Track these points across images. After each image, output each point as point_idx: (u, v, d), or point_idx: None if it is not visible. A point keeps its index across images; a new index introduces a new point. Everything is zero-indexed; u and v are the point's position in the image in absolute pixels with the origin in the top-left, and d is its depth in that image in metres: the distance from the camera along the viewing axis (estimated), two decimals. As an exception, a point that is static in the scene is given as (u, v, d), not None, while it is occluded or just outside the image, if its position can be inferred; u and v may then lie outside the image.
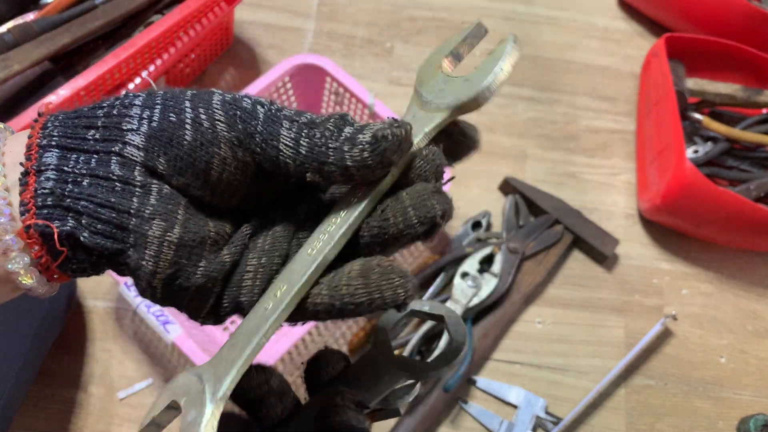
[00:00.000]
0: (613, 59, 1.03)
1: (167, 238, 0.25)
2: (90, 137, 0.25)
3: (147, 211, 0.25)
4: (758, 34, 0.95)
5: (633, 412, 0.79)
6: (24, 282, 0.25)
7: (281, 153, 0.26)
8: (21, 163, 0.25)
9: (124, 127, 0.25)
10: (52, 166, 0.25)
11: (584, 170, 0.94)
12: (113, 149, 0.25)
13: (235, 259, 0.27)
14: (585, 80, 1.01)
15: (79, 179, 0.25)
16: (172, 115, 0.26)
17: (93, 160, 0.25)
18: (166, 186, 0.25)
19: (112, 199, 0.25)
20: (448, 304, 0.76)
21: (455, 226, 0.86)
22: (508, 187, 0.89)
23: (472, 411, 0.76)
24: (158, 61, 0.80)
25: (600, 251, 0.85)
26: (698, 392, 0.81)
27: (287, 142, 0.25)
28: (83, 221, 0.25)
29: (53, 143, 0.25)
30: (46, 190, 0.24)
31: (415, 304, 0.37)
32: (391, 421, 0.74)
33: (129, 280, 0.67)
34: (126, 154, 0.25)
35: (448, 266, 0.81)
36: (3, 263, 0.25)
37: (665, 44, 0.90)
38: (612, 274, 0.87)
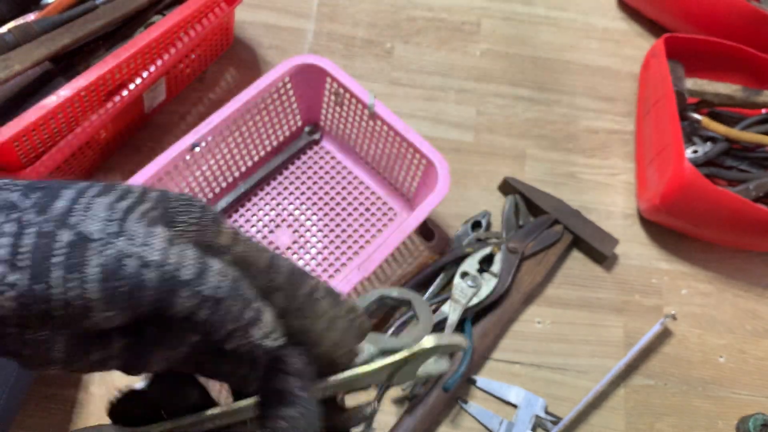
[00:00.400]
0: (612, 60, 1.04)
1: (49, 356, 0.24)
2: None
3: (26, 353, 0.23)
4: (757, 34, 0.95)
5: (632, 411, 0.79)
6: None
7: (168, 318, 0.23)
8: None
9: None
10: None
11: (583, 170, 0.94)
12: None
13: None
14: (584, 81, 1.01)
15: None
16: (38, 285, 0.22)
17: None
18: (44, 334, 0.23)
19: None
20: (448, 303, 0.77)
21: (455, 226, 0.86)
22: (507, 187, 0.89)
23: (471, 410, 0.77)
24: (159, 62, 0.80)
25: (599, 251, 0.85)
26: (697, 392, 0.81)
27: (182, 313, 0.23)
28: None
29: None
30: None
31: (383, 291, 0.38)
32: (391, 421, 0.74)
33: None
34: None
35: (448, 266, 0.81)
36: None
37: (664, 45, 0.90)
38: (611, 274, 0.87)
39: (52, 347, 0.24)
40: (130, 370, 0.27)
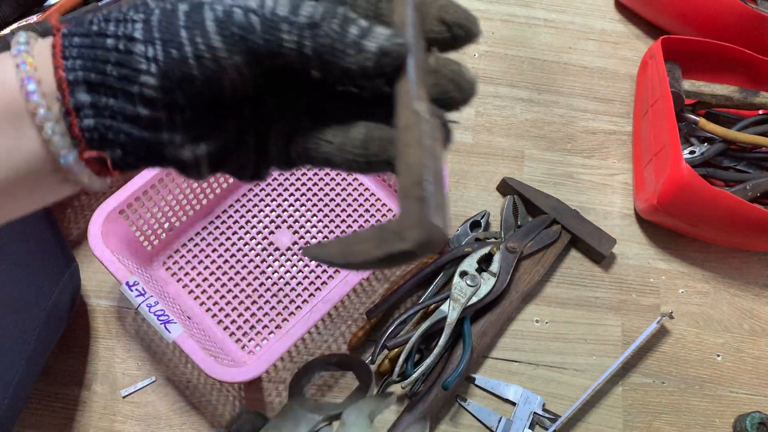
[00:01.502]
0: (610, 61, 1.04)
1: (198, 154, 0.29)
2: (109, 73, 0.27)
3: (177, 140, 0.28)
4: (754, 35, 0.96)
5: (630, 409, 0.80)
6: (85, 180, 0.29)
7: (286, 59, 0.27)
8: (57, 98, 0.27)
9: (136, 67, 0.27)
10: (87, 104, 0.27)
11: (581, 171, 0.95)
12: (133, 90, 0.27)
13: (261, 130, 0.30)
14: (582, 82, 1.02)
15: (113, 115, 0.27)
16: (173, 50, 0.26)
17: (119, 97, 0.27)
18: (188, 111, 0.28)
19: (146, 135, 0.28)
20: (447, 302, 0.77)
21: (454, 226, 0.87)
22: (506, 187, 0.90)
23: (470, 408, 0.77)
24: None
25: (597, 251, 0.86)
26: (695, 390, 0.82)
27: (291, 47, 0.26)
28: (127, 150, 0.28)
29: (80, 78, 0.27)
30: (91, 127, 0.27)
31: (323, 357, 0.40)
32: (390, 419, 0.75)
33: (130, 280, 0.68)
34: (146, 95, 0.27)
35: (447, 265, 0.82)
36: (71, 179, 0.29)
37: (662, 46, 0.91)
38: (609, 274, 0.88)
39: (197, 127, 0.28)
40: (258, 152, 0.31)
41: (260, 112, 0.30)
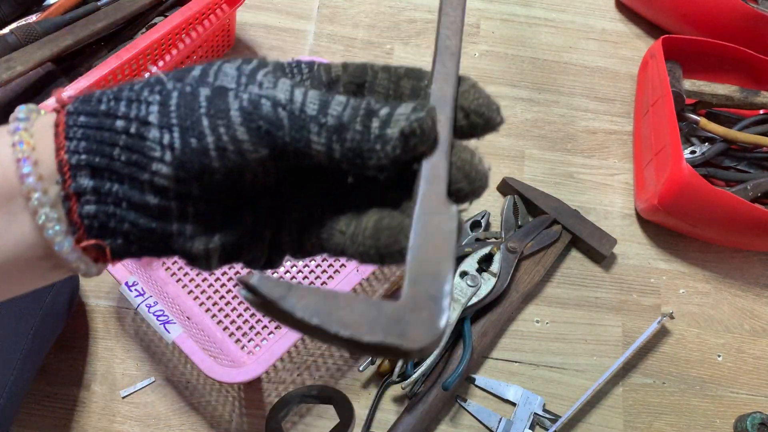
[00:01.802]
0: (610, 61, 1.04)
1: (210, 247, 0.26)
2: (116, 157, 0.25)
3: (188, 232, 0.26)
4: (755, 35, 0.96)
5: (630, 410, 0.80)
6: (81, 268, 0.27)
7: (313, 159, 0.25)
8: (57, 182, 0.25)
9: (148, 153, 0.25)
10: (89, 189, 0.25)
11: (582, 171, 0.95)
12: (143, 178, 0.25)
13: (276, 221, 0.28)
14: (583, 81, 1.02)
15: (117, 203, 0.25)
16: (192, 139, 0.24)
17: (126, 184, 0.25)
18: (202, 202, 0.26)
19: (153, 225, 0.26)
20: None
21: (454, 226, 0.87)
22: (506, 187, 0.90)
23: (470, 409, 0.77)
24: (160, 63, 0.80)
25: (598, 251, 0.86)
26: (695, 391, 0.82)
27: (319, 149, 0.25)
28: (131, 239, 0.26)
29: (83, 162, 0.25)
30: (91, 214, 0.25)
31: (304, 391, 0.38)
32: (390, 419, 0.75)
33: (129, 280, 0.68)
34: (157, 184, 0.25)
35: (447, 266, 0.81)
36: (65, 265, 0.26)
37: (662, 46, 0.90)
38: (610, 274, 0.87)
39: (210, 218, 0.26)
40: (273, 243, 0.29)
41: (277, 202, 0.28)
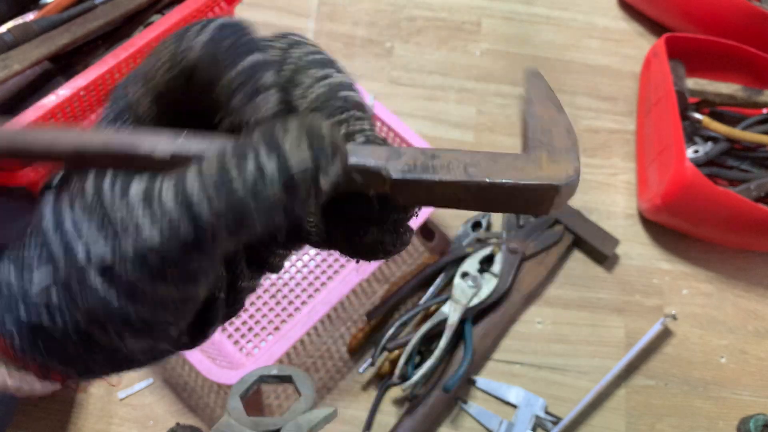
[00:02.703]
0: (613, 59, 1.03)
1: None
2: None
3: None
4: (758, 34, 0.95)
5: (633, 412, 0.79)
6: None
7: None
8: None
9: None
10: None
11: (584, 170, 0.94)
12: None
13: None
14: (585, 80, 1.01)
15: None
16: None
17: None
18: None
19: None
20: (449, 303, 0.76)
21: (456, 226, 0.86)
22: (508, 187, 0.89)
23: (471, 411, 0.76)
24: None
25: (600, 251, 0.85)
26: (698, 392, 0.81)
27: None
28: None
29: None
30: None
31: (263, 370, 0.39)
32: (391, 422, 0.74)
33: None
34: None
35: (449, 266, 0.81)
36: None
37: (665, 44, 0.90)
38: (612, 274, 0.87)
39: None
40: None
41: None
